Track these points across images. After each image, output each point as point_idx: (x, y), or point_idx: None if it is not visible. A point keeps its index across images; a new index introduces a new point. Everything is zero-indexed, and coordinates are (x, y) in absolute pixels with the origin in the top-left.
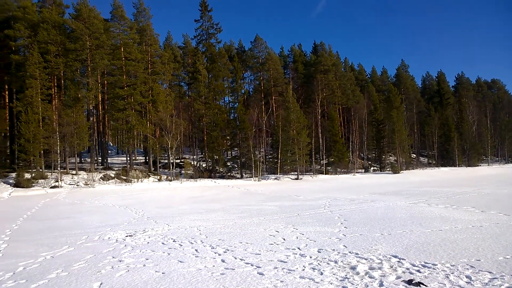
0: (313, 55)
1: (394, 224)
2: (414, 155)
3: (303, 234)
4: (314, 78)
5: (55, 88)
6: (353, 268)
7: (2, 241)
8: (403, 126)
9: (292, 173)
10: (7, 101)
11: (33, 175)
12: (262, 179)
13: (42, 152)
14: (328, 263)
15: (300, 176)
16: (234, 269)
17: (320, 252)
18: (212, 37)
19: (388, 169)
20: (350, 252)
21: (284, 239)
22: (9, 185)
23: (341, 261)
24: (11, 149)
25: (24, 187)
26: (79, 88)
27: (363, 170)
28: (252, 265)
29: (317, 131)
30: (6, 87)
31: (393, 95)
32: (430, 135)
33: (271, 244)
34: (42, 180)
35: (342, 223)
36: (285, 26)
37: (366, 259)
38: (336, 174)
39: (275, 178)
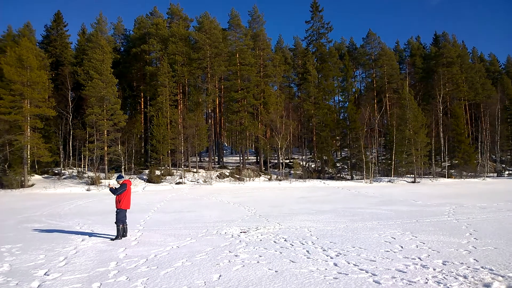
0: (433, 47)
1: None
2: None
3: (423, 243)
4: (435, 72)
5: (181, 94)
6: (487, 285)
7: (138, 230)
8: None
9: (408, 175)
10: (142, 107)
11: (162, 172)
12: (374, 181)
13: (169, 151)
14: (456, 278)
15: (417, 179)
16: (347, 274)
17: (445, 264)
18: (323, 36)
19: None
20: (482, 267)
21: (401, 247)
22: (143, 181)
23: (472, 277)
24: (145, 149)
25: (155, 183)
26: (200, 93)
27: (495, 174)
28: (367, 272)
29: (437, 130)
30: (142, 94)
31: None
32: None
33: (387, 251)
34: (169, 176)
35: (471, 234)
36: (400, 19)
37: (503, 276)
38: (461, 178)
39: (389, 181)
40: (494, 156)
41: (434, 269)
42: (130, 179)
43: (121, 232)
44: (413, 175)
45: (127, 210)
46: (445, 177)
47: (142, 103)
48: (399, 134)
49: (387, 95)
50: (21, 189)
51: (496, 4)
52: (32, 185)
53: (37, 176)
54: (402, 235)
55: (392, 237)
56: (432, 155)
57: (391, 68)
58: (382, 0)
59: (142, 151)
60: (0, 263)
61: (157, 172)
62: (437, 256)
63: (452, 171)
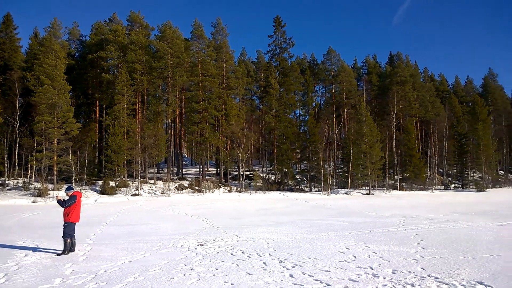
0: (388, 66)
1: (480, 247)
2: (502, 172)
3: (375, 253)
4: (389, 90)
5: (139, 103)
6: None
7: (87, 244)
8: (490, 140)
9: (364, 188)
10: (97, 115)
11: (117, 183)
12: (331, 193)
13: (125, 162)
14: (404, 286)
15: (372, 192)
16: (302, 285)
17: (394, 273)
18: (285, 51)
19: (471, 186)
20: (429, 276)
21: (355, 257)
22: (95, 192)
23: (419, 285)
24: (99, 159)
25: (109, 194)
26: (160, 103)
27: (443, 187)
28: (321, 282)
29: (391, 145)
30: (97, 103)
31: (479, 107)
32: None
33: (341, 261)
34: (124, 188)
35: (419, 243)
36: (359, 38)
37: (447, 284)
38: (412, 190)
39: (345, 193)
40: (441, 170)
41: (384, 278)
42: (81, 191)
43: (69, 247)
44: (368, 188)
45: (76, 223)
46: (397, 189)
47: (98, 112)
48: (356, 148)
49: (345, 110)
50: None
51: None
52: None
53: None
54: (356, 245)
55: (347, 248)
56: (386, 168)
57: (349, 84)
58: (342, 19)
59: (96, 161)
60: None
61: (112, 184)
62: (387, 265)
63: (404, 183)
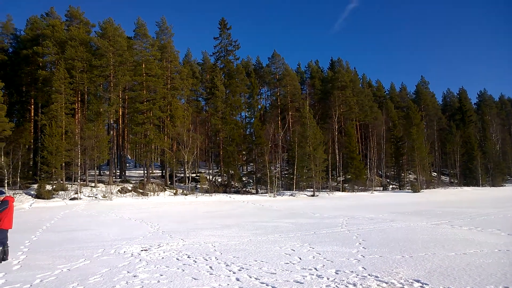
0: (330, 71)
1: (416, 246)
2: (435, 174)
3: (319, 254)
4: (331, 94)
5: (79, 102)
6: None
7: (21, 252)
8: (424, 144)
9: (308, 189)
10: (32, 114)
11: (54, 186)
12: (277, 195)
13: (63, 164)
14: (347, 286)
15: (316, 193)
16: None
17: (337, 273)
18: (231, 53)
19: (407, 187)
20: (369, 275)
21: (300, 259)
22: (30, 196)
23: (360, 284)
24: (34, 161)
25: (45, 199)
26: (101, 102)
27: (381, 188)
28: (267, 285)
29: (334, 148)
30: (32, 101)
31: (413, 112)
32: (452, 153)
33: (287, 263)
34: (62, 191)
35: (360, 243)
36: (302, 43)
37: (386, 282)
38: (354, 191)
39: (291, 195)
40: (380, 172)
41: (328, 279)
42: (13, 195)
43: (1, 255)
44: (313, 189)
45: (9, 230)
46: (340, 191)
47: (32, 111)
48: (300, 150)
49: (290, 113)
50: None
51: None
52: None
53: None
54: (301, 246)
55: (292, 249)
56: (329, 170)
57: (293, 88)
58: (287, 24)
59: (31, 163)
60: None
61: (48, 187)
62: (331, 265)
63: (346, 185)
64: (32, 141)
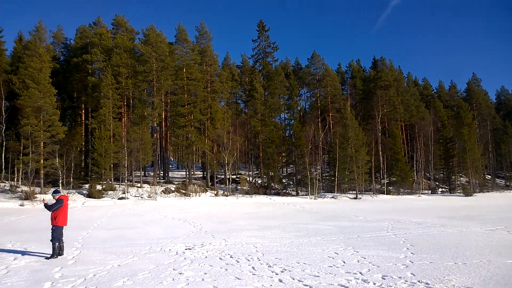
0: (372, 71)
1: (469, 252)
2: (489, 177)
3: (364, 258)
4: (374, 94)
5: (125, 107)
6: None
7: (75, 248)
8: (476, 145)
9: (350, 192)
10: (83, 119)
11: (104, 186)
12: (318, 197)
13: (111, 165)
14: None
15: (358, 196)
16: None
17: (384, 279)
18: (269, 55)
19: (458, 191)
20: (419, 281)
21: (344, 262)
22: (82, 196)
23: None
24: (85, 163)
25: (96, 198)
26: (145, 106)
27: (430, 191)
28: (311, 287)
29: (377, 149)
30: (83, 106)
31: (464, 111)
32: (508, 154)
33: (330, 266)
34: (111, 191)
35: (408, 249)
36: (343, 42)
37: None
38: (399, 194)
39: (332, 197)
40: (428, 174)
41: (374, 284)
42: (67, 195)
43: (57, 251)
44: (355, 192)
45: (64, 227)
46: (384, 194)
47: (83, 115)
48: (342, 151)
49: (330, 114)
50: None
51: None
52: None
53: None
54: (344, 250)
55: (335, 252)
56: (372, 172)
57: (334, 88)
58: (326, 24)
59: (83, 164)
60: None
61: (98, 187)
62: (377, 270)
63: (391, 188)
64: (83, 143)
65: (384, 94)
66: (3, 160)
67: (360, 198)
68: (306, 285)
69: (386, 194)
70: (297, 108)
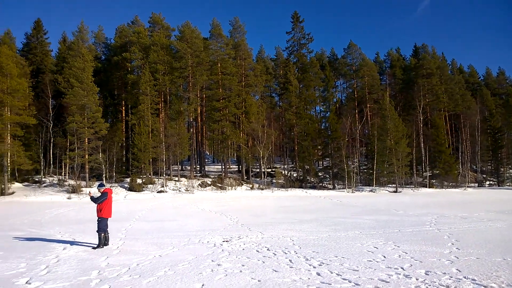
0: (413, 59)
1: None
2: None
3: (406, 253)
4: (415, 83)
5: (162, 103)
6: None
7: (119, 238)
8: None
9: (390, 185)
10: (123, 115)
11: (144, 180)
12: (355, 190)
13: (150, 160)
14: None
15: (398, 189)
16: (330, 284)
17: (428, 274)
18: (304, 47)
19: (508, 183)
20: (465, 278)
21: (384, 257)
22: (124, 189)
23: (455, 287)
24: (126, 157)
25: (136, 191)
26: (181, 102)
27: (476, 184)
28: (350, 281)
29: (418, 141)
30: (123, 103)
31: None
32: None
33: (370, 261)
34: (150, 185)
35: (453, 244)
36: (381, 31)
37: (485, 286)
38: (443, 188)
39: (370, 190)
40: (475, 167)
41: (417, 279)
42: (111, 188)
43: (103, 241)
44: (395, 185)
45: (109, 218)
46: (426, 187)
47: (124, 112)
48: (380, 144)
49: (368, 106)
50: (1, 197)
51: (475, 18)
52: (13, 193)
53: (17, 184)
54: (384, 244)
55: (375, 247)
56: (413, 165)
57: (372, 78)
58: (363, 12)
59: (124, 159)
60: None
61: (139, 181)
62: (419, 266)
63: (433, 181)
64: (124, 139)
65: (426, 83)
66: (51, 156)
67: (400, 192)
68: (345, 279)
69: (429, 187)
70: (333, 100)
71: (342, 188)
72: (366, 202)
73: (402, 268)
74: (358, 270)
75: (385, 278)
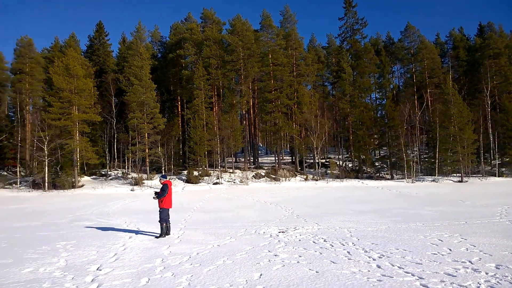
0: (478, 38)
1: None
2: None
3: (474, 246)
4: (481, 65)
5: (215, 96)
6: None
7: (180, 228)
8: None
9: (454, 174)
10: (179, 110)
11: (200, 172)
12: (416, 180)
13: (206, 152)
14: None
15: (464, 178)
16: (392, 277)
17: (498, 268)
18: (357, 33)
19: None
20: None
21: (450, 250)
22: (182, 181)
23: None
24: (183, 151)
25: (193, 183)
26: (234, 95)
27: None
28: (413, 275)
29: (486, 126)
30: (179, 98)
31: None
32: None
33: (434, 254)
34: (206, 177)
35: None
36: (441, 9)
37: None
38: None
39: (432, 180)
40: None
41: (487, 273)
42: (170, 180)
43: (165, 230)
44: (460, 174)
45: (169, 209)
46: (495, 176)
47: (179, 106)
48: (443, 131)
49: (428, 91)
50: (72, 189)
51: None
52: (82, 185)
53: (86, 177)
54: (450, 237)
55: (439, 239)
56: (481, 152)
57: (432, 62)
58: None
59: (181, 152)
60: (57, 259)
61: (195, 173)
62: (489, 259)
63: (503, 169)
64: (180, 133)
65: (493, 63)
66: (115, 150)
67: (466, 181)
68: (407, 272)
69: (498, 176)
70: (390, 87)
71: (401, 178)
72: (428, 193)
73: (470, 261)
74: (421, 264)
75: (451, 272)
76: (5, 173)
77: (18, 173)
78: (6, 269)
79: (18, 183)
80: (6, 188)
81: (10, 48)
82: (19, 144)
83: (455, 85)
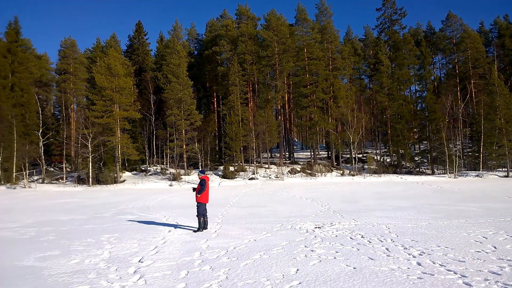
0: None
1: None
2: None
3: None
4: None
5: (251, 92)
6: None
7: (217, 223)
8: None
9: (499, 169)
10: (215, 106)
11: (235, 168)
12: (458, 176)
13: (241, 148)
14: None
15: (510, 173)
16: (433, 275)
17: None
18: (396, 23)
19: None
20: None
21: (495, 248)
22: (218, 176)
23: None
24: (219, 146)
25: (229, 178)
26: (269, 90)
27: None
28: (455, 273)
29: None
30: (215, 94)
31: None
32: None
33: (478, 251)
34: (242, 172)
35: None
36: None
37: None
38: None
39: (476, 175)
40: None
41: None
42: (207, 175)
43: (202, 225)
44: (506, 169)
45: (206, 204)
46: None
47: (215, 103)
48: (488, 124)
49: (472, 82)
50: (114, 184)
51: None
52: (124, 181)
53: (127, 173)
54: (495, 234)
55: (483, 237)
56: None
57: (476, 51)
58: None
59: (217, 148)
60: (101, 251)
61: (231, 168)
62: None
63: None
64: (216, 129)
65: None
66: (154, 147)
67: None
68: (449, 270)
69: None
70: (431, 78)
71: (443, 173)
72: (472, 188)
73: None
74: (464, 261)
75: (496, 271)
76: (52, 169)
77: (64, 169)
78: (54, 260)
79: (64, 178)
80: (53, 183)
81: (54, 49)
82: (65, 141)
83: (501, 75)
